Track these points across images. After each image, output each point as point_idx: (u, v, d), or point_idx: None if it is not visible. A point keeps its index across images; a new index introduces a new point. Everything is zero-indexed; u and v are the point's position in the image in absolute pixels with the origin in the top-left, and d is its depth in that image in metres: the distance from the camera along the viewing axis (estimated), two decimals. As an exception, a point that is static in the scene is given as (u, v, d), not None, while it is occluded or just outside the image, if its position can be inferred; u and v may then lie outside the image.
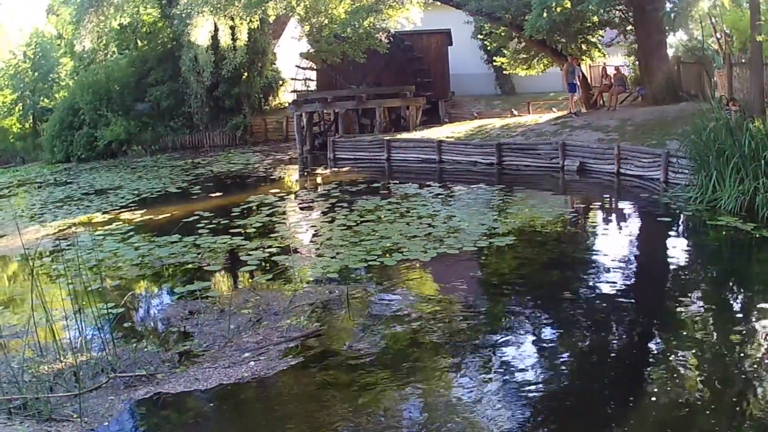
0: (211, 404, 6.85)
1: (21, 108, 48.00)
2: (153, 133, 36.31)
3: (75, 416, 6.54)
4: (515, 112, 31.06)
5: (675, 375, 6.91)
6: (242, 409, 6.92)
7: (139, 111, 36.40)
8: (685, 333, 8.00)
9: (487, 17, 26.31)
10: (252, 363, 7.52)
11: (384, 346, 8.00)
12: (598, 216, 16.17)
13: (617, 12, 25.61)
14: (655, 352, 7.67)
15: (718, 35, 23.96)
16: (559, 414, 6.37)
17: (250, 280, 11.03)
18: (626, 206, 16.98)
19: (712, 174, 14.59)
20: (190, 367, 7.52)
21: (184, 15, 30.23)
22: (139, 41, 39.74)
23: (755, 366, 6.96)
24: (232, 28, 32.04)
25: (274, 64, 38.58)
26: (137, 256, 13.01)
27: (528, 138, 23.12)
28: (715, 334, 8.02)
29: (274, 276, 11.11)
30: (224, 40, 32.51)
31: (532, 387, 6.82)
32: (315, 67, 33.90)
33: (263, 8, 27.61)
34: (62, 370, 7.52)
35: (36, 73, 47.98)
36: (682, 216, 14.30)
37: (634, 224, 15.09)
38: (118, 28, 38.55)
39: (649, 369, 7.19)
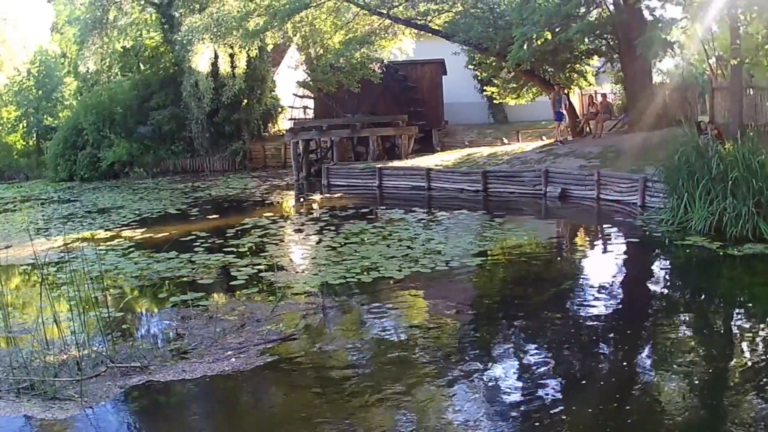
0: (195, 391, 7.87)
1: (25, 125, 48.74)
2: (154, 156, 37.24)
3: (76, 397, 7.58)
4: (505, 141, 31.82)
5: (627, 384, 7.69)
6: (222, 396, 7.99)
7: (142, 134, 37.27)
8: (634, 346, 8.91)
9: (475, 48, 27.25)
10: (233, 359, 8.54)
11: (351, 347, 9.06)
12: (568, 238, 17.23)
13: (603, 41, 26.42)
14: (608, 363, 8.45)
15: (712, 61, 24.56)
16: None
17: (239, 292, 11.97)
18: (599, 229, 17.89)
19: (683, 196, 15.20)
20: (179, 362, 8.54)
21: (185, 41, 31.16)
22: (141, 65, 40.65)
23: (722, 377, 7.72)
24: (232, 56, 33.02)
25: (274, 91, 39.42)
26: (137, 269, 14.04)
27: (513, 166, 23.96)
28: (665, 345, 8.86)
29: (260, 289, 12.13)
30: (224, 67, 33.46)
31: (464, 371, 7.79)
32: (312, 96, 34.81)
33: (261, 37, 28.59)
34: (66, 361, 8.55)
35: (40, 91, 48.75)
36: (651, 237, 15.13)
37: (602, 245, 15.98)
38: (122, 50, 39.53)
39: (610, 380, 7.87)
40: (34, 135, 48.10)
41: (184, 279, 13.06)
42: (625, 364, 8.34)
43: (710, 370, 7.88)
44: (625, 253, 14.87)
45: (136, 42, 39.81)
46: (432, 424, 6.81)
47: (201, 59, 32.00)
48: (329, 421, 6.98)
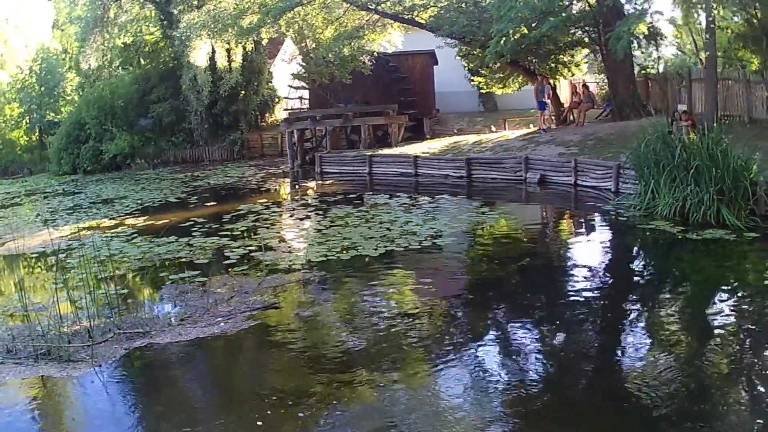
0: (189, 349, 9.27)
1: (28, 121, 49.65)
2: (155, 148, 38.31)
3: (87, 358, 8.98)
4: (493, 129, 32.61)
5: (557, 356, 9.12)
6: (211, 353, 9.46)
7: (143, 126, 38.34)
8: (590, 321, 10.03)
9: (460, 41, 28.28)
10: (222, 324, 9.97)
11: (325, 314, 10.57)
12: (536, 221, 18.45)
13: (585, 33, 27.18)
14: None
15: (702, 52, 25.10)
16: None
17: (230, 269, 13.28)
18: (569, 213, 19.06)
19: (650, 183, 15.97)
20: (176, 327, 9.94)
21: (183, 37, 32.01)
22: (141, 59, 41.39)
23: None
24: (228, 50, 34.13)
25: (270, 82, 40.25)
26: (140, 252, 15.37)
27: (496, 153, 24.87)
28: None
29: (249, 267, 13.47)
30: (221, 61, 34.61)
31: (411, 328, 9.13)
32: (307, 87, 35.81)
33: (256, 32, 29.67)
34: (78, 330, 9.95)
35: (42, 88, 49.57)
36: (618, 221, 16.11)
37: (570, 228, 17.15)
38: (122, 46, 40.39)
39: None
40: (37, 130, 49.01)
41: (183, 260, 14.34)
42: (585, 337, 9.46)
43: (661, 341, 8.82)
44: (590, 235, 16.00)
45: (136, 38, 40.50)
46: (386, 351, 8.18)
47: (199, 54, 33.02)
48: (302, 369, 8.46)
